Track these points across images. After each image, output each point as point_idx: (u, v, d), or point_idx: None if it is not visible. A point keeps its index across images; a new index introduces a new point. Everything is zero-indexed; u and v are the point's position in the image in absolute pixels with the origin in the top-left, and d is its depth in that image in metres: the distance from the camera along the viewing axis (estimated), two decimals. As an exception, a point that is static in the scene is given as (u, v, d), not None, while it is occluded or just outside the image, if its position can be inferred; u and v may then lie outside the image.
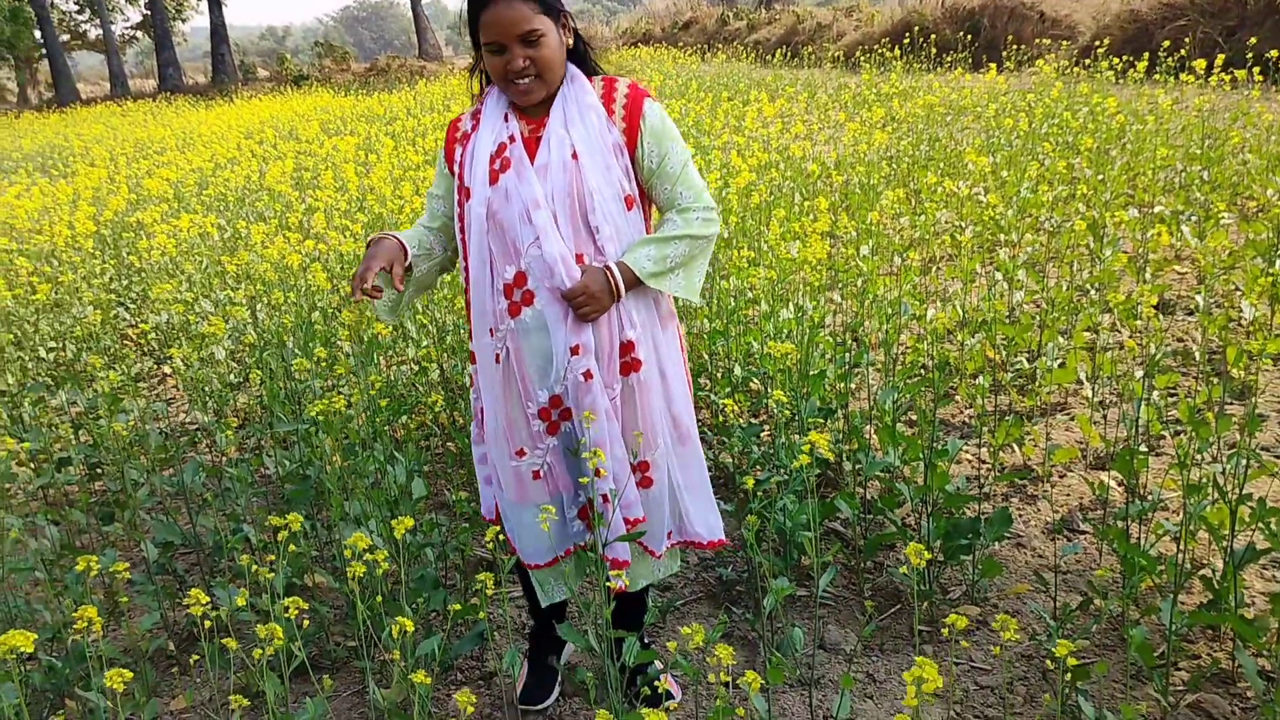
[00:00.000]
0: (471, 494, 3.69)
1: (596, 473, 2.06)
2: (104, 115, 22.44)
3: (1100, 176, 5.99)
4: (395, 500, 3.11)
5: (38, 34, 35.18)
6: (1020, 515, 3.36)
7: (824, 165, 6.80)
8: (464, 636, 2.67)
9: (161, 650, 2.99)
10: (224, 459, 3.95)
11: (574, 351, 2.08)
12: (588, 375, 2.09)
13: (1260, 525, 2.35)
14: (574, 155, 2.07)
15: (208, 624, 1.88)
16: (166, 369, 5.48)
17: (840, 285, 4.65)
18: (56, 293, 5.66)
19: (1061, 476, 3.57)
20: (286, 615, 1.89)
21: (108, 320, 5.38)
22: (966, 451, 3.79)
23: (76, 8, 42.82)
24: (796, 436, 3.25)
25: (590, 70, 2.21)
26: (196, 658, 2.39)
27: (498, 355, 2.15)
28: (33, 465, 4.21)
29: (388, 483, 3.13)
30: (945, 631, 1.62)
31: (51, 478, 3.64)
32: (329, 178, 6.62)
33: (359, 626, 2.70)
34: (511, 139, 2.10)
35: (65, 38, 40.67)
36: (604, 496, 2.10)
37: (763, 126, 7.64)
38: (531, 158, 2.09)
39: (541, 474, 2.21)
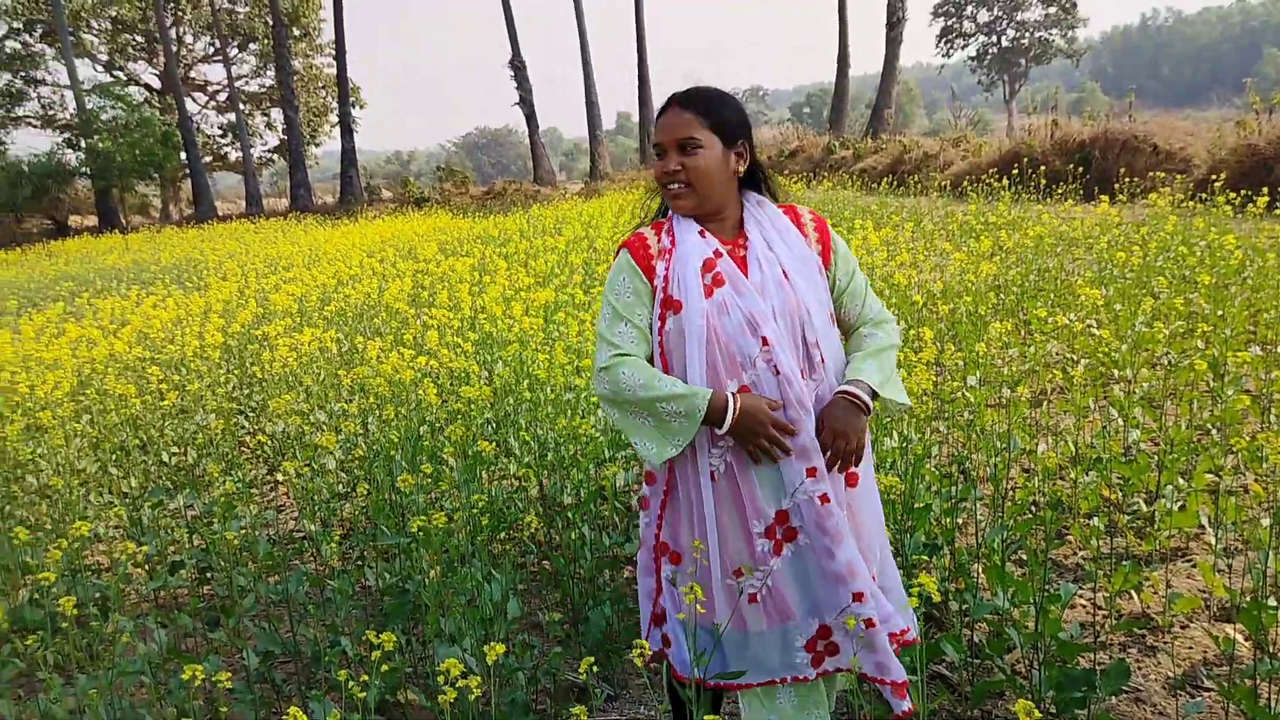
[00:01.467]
0: (565, 615, 3.67)
1: (857, 597, 2.08)
2: (238, 231, 23.82)
3: (1220, 313, 5.80)
4: (490, 619, 3.11)
5: (183, 155, 37.86)
6: (1139, 668, 3.17)
7: (929, 294, 6.76)
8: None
9: (255, 762, 3.00)
10: (327, 569, 4.03)
11: (810, 474, 2.09)
12: (824, 499, 2.08)
13: None
14: (785, 274, 2.15)
15: (303, 740, 1.89)
16: (279, 476, 5.65)
17: (946, 416, 4.56)
18: (182, 400, 5.94)
19: (1184, 628, 3.36)
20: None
21: (228, 428, 5.60)
22: (1081, 597, 3.62)
23: (220, 132, 46.08)
24: (901, 573, 3.16)
25: (773, 195, 2.32)
26: (289, 772, 2.39)
27: (714, 473, 2.12)
28: (147, 568, 4.36)
29: (483, 600, 3.14)
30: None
31: (165, 581, 3.76)
32: (444, 296, 6.87)
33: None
34: (717, 254, 2.15)
35: (208, 159, 43.67)
36: (868, 621, 2.08)
37: (867, 254, 7.67)
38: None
39: (759, 598, 2.14)
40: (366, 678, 2.20)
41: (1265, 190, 9.03)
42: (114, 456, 5.43)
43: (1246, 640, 3.14)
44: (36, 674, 3.52)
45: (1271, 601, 2.91)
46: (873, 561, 2.22)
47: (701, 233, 2.19)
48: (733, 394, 2.06)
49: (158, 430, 5.69)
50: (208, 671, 2.48)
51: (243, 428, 6.06)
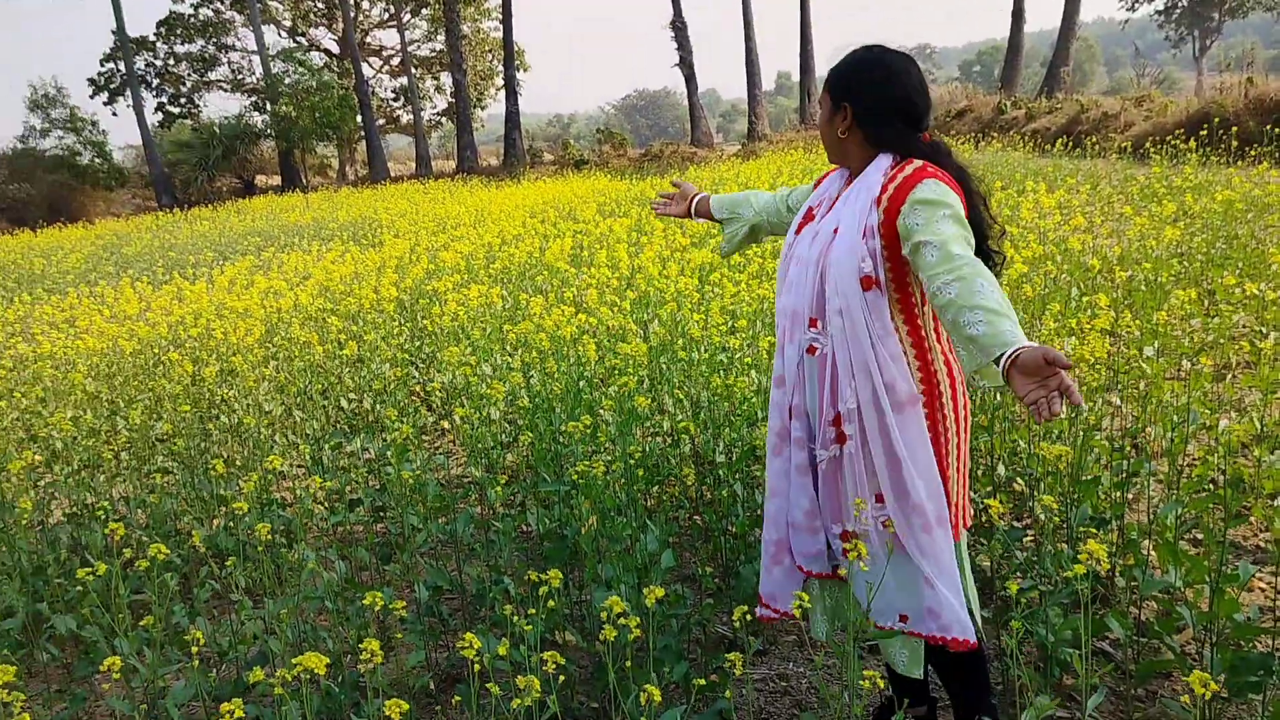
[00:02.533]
0: (716, 569, 3.74)
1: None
2: (409, 192, 24.75)
3: None
4: (645, 567, 3.20)
5: (359, 118, 39.50)
6: (1325, 658, 3.00)
7: (1106, 260, 6.45)
8: (704, 712, 2.69)
9: (424, 688, 3.19)
10: (492, 513, 4.22)
11: (790, 412, 2.39)
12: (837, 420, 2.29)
13: None
14: (835, 229, 2.25)
15: (476, 667, 2.00)
16: (446, 425, 5.92)
17: (1120, 387, 4.37)
18: (360, 350, 6.28)
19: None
20: (544, 669, 1.99)
21: (401, 377, 5.90)
22: (1260, 579, 3.44)
23: (393, 95, 47.80)
24: (1064, 545, 3.08)
25: (909, 154, 2.25)
26: (458, 699, 2.55)
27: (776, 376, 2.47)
28: (327, 504, 4.66)
29: (638, 550, 3.23)
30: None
31: (344, 517, 4.02)
32: (602, 256, 6.99)
33: (604, 689, 2.79)
34: (830, 200, 2.40)
35: (381, 122, 45.41)
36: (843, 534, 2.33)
37: (1039, 218, 7.36)
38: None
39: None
40: (533, 611, 2.31)
41: None
42: (298, 400, 5.80)
43: None
44: (229, 596, 3.84)
45: None
46: (852, 521, 2.30)
47: (843, 180, 2.42)
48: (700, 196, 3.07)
49: (337, 377, 6.04)
50: (386, 599, 2.65)
51: (414, 378, 6.37)
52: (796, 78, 38.21)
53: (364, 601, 2.47)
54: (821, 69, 34.76)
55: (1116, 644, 3.07)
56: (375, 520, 4.51)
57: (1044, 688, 2.76)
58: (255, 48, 39.89)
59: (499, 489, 3.42)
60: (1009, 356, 1.80)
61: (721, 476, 3.86)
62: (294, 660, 1.99)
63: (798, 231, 2.42)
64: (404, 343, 6.40)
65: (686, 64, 36.31)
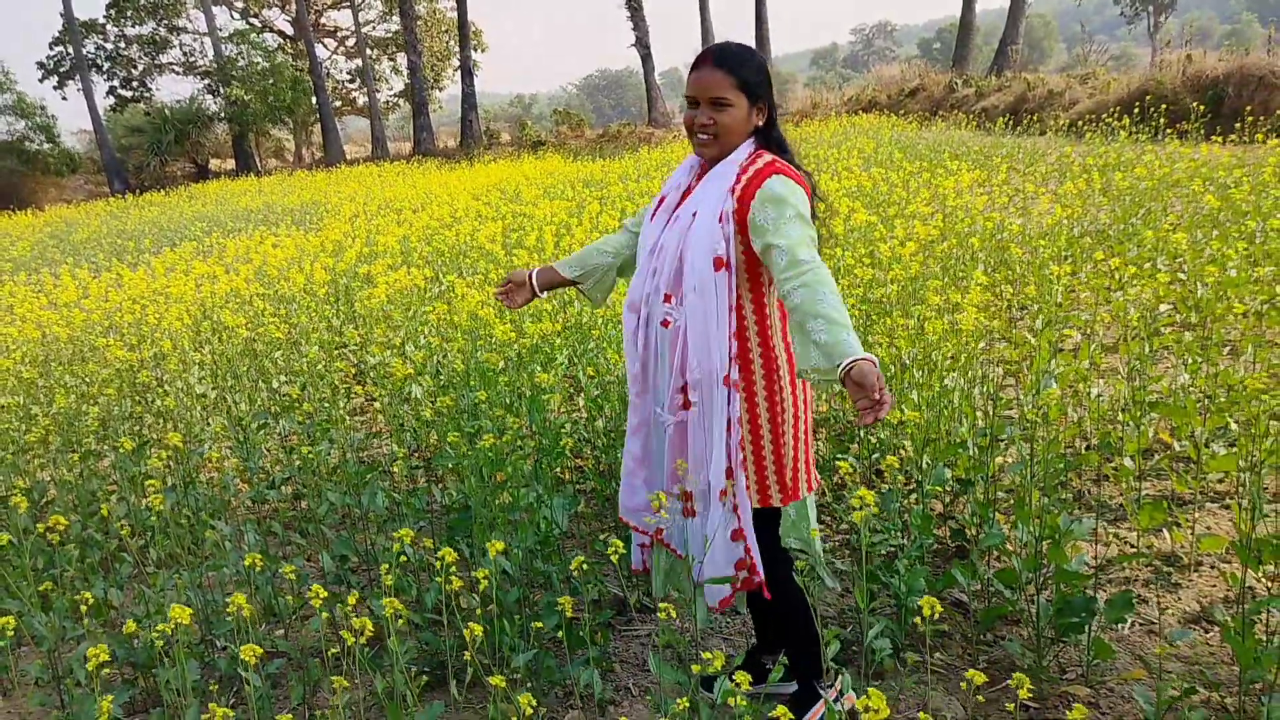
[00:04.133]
0: (620, 538, 3.94)
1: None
2: (362, 175, 24.69)
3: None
4: (546, 536, 3.40)
5: (314, 101, 39.19)
6: (1161, 603, 3.26)
7: (997, 236, 6.69)
8: (575, 660, 2.89)
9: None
10: (410, 487, 4.39)
11: (637, 380, 2.60)
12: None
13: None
14: (695, 214, 2.44)
15: (359, 639, 2.18)
16: (378, 405, 6.08)
17: (1000, 358, 4.62)
18: (291, 333, 6.41)
19: (1211, 568, 3.42)
20: (399, 622, 2.18)
21: (331, 359, 6.04)
22: (1116, 534, 3.70)
23: (349, 77, 47.41)
24: (915, 503, 3.31)
25: (774, 148, 2.48)
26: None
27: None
28: (253, 483, 4.81)
29: (535, 517, 3.43)
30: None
31: (260, 493, 4.18)
32: (532, 239, 7.16)
33: (449, 634, 2.98)
34: (681, 188, 2.55)
35: (337, 104, 45.05)
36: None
37: (956, 195, 7.60)
38: (678, 208, 2.54)
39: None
40: (439, 579, 2.48)
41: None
42: (229, 384, 5.92)
43: (1272, 581, 3.19)
44: (146, 570, 4.00)
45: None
46: (690, 483, 2.52)
47: (693, 168, 2.57)
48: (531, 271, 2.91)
49: (270, 360, 6.17)
50: (297, 569, 2.84)
51: (346, 359, 6.51)
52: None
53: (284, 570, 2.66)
54: (779, 49, 34.79)
55: (978, 595, 3.29)
56: (297, 498, 4.67)
57: (900, 636, 2.99)
58: (207, 29, 39.41)
59: (402, 463, 3.60)
60: (845, 366, 2.05)
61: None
62: (170, 615, 2.17)
63: (652, 218, 2.60)
64: (337, 324, 6.54)
65: (643, 43, 36.32)
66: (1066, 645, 3.02)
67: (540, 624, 2.64)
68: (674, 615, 2.18)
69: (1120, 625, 3.07)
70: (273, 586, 3.49)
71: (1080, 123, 16.59)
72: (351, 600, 2.27)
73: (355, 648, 2.15)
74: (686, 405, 2.47)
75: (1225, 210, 6.59)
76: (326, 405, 4.86)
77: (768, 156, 2.43)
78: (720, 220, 2.37)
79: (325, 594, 2.22)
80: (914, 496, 3.46)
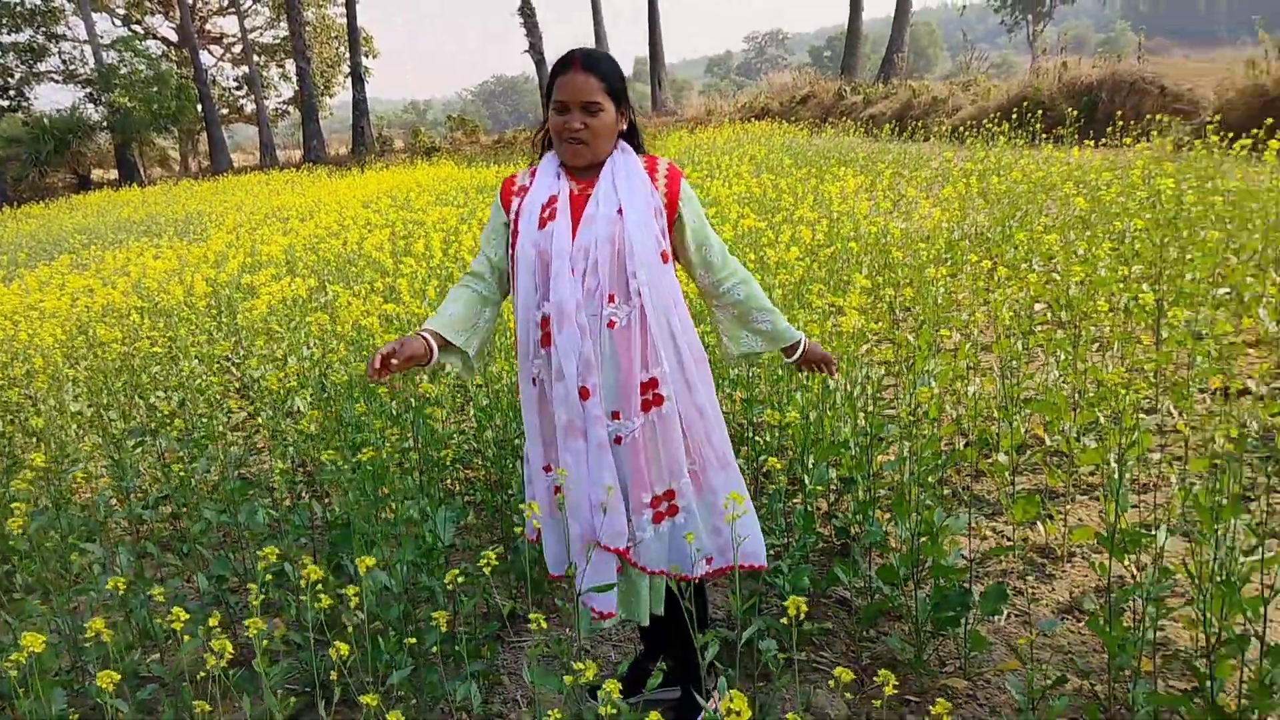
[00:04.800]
0: (507, 549, 3.90)
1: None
2: (250, 184, 24.01)
3: (1182, 258, 5.88)
4: (432, 550, 3.33)
5: (199, 108, 37.98)
6: (1034, 594, 3.36)
7: (879, 239, 6.85)
8: (459, 675, 2.84)
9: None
10: (292, 503, 4.27)
11: (582, 394, 2.36)
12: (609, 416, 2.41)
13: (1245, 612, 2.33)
14: (619, 211, 2.40)
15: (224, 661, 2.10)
16: (261, 419, 5.90)
17: (891, 363, 4.72)
18: (171, 347, 6.18)
19: (1084, 558, 3.55)
20: (268, 641, 2.11)
21: (211, 373, 5.85)
22: (992, 528, 3.81)
23: (236, 84, 46.11)
24: (799, 503, 3.35)
25: (638, 150, 2.56)
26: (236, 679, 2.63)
27: (534, 378, 2.46)
28: (130, 502, 4.62)
29: (419, 531, 3.36)
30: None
31: (133, 512, 4.01)
32: (420, 246, 7.05)
33: (324, 658, 2.91)
34: (571, 193, 2.45)
35: (224, 111, 43.75)
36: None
37: (841, 201, 7.77)
38: (579, 213, 2.42)
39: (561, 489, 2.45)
40: (326, 600, 2.42)
41: (1254, 131, 8.99)
42: (106, 401, 5.68)
43: (1140, 570, 3.32)
44: (13, 594, 3.81)
45: (1161, 532, 3.09)
46: (676, 478, 2.47)
47: (559, 175, 2.48)
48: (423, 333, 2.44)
49: (148, 376, 5.94)
50: (167, 591, 2.72)
51: (228, 373, 6.31)
52: (648, 64, 38.54)
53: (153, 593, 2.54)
54: (674, 56, 35.09)
55: (861, 592, 3.35)
56: (175, 517, 4.50)
57: (784, 634, 3.02)
58: (87, 37, 37.85)
59: (281, 478, 3.50)
60: (799, 344, 2.69)
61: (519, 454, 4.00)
62: (23, 643, 2.06)
63: (541, 227, 2.40)
64: (219, 337, 6.33)
65: (536, 50, 36.22)
66: (945, 639, 3.09)
67: (415, 640, 2.59)
68: (544, 625, 2.15)
69: (996, 617, 3.15)
70: (147, 610, 3.35)
71: (963, 128, 17.12)
72: (213, 622, 2.18)
73: (220, 671, 2.07)
74: (657, 402, 2.40)
75: (1096, 212, 6.87)
76: (205, 420, 4.69)
77: (664, 160, 2.53)
78: (655, 215, 2.42)
79: (187, 616, 2.13)
80: (799, 497, 3.50)
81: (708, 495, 2.49)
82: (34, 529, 3.46)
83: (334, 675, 2.11)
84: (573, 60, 2.39)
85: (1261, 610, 2.30)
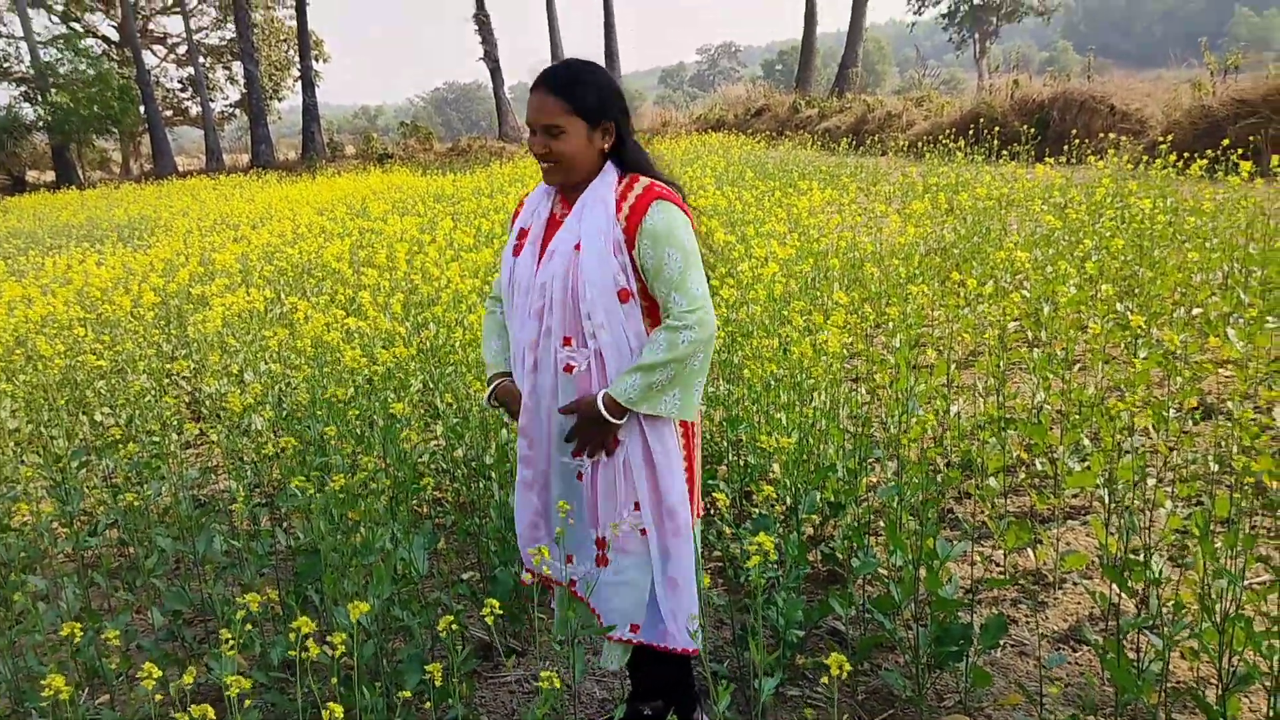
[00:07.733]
0: (483, 575, 3.73)
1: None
2: (195, 188, 23.45)
3: (1154, 278, 5.89)
4: (404, 578, 3.16)
5: (142, 110, 37.12)
6: (1028, 623, 3.28)
7: (851, 256, 6.80)
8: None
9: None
10: (252, 530, 4.06)
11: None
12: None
13: (1256, 647, 2.26)
14: (577, 246, 2.22)
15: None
16: (215, 437, 5.65)
17: (862, 377, 4.63)
18: (117, 361, 5.91)
19: (1075, 585, 3.47)
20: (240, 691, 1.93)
21: (161, 388, 5.59)
22: (980, 554, 3.73)
23: (180, 86, 45.19)
24: (789, 530, 3.24)
25: (631, 168, 2.33)
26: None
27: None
28: (74, 528, 4.37)
29: (391, 560, 3.18)
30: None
31: (80, 540, 3.77)
32: (382, 257, 6.84)
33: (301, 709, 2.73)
34: (551, 218, 2.34)
35: (168, 113, 42.84)
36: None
37: (809, 215, 7.70)
38: (549, 242, 2.29)
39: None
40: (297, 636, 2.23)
41: (1208, 152, 9.12)
42: (47, 417, 5.40)
43: (1133, 598, 3.25)
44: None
45: (1156, 559, 3.01)
46: (605, 529, 2.36)
47: (549, 194, 2.38)
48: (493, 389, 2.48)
49: (92, 391, 5.66)
50: (118, 627, 2.52)
51: (179, 388, 6.05)
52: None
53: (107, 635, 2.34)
54: (629, 66, 35.10)
55: (854, 623, 3.24)
56: (124, 543, 4.26)
57: (776, 668, 2.89)
58: (22, 34, 36.84)
59: (241, 504, 3.30)
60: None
61: (493, 478, 3.84)
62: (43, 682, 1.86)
63: (516, 255, 2.37)
64: (169, 350, 6.07)
65: (491, 58, 36.02)
66: (944, 672, 2.99)
67: (406, 693, 2.41)
68: (557, 684, 2.00)
69: (995, 650, 3.06)
70: (95, 648, 3.12)
71: (919, 143, 17.24)
72: (187, 679, 1.99)
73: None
74: (615, 443, 2.29)
75: (1063, 230, 6.87)
76: (156, 440, 4.46)
77: (645, 180, 2.30)
78: (615, 251, 2.22)
79: (159, 674, 1.94)
80: (789, 523, 3.38)
81: (651, 559, 2.34)
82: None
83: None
84: (540, 79, 2.26)
85: (1276, 644, 2.23)
